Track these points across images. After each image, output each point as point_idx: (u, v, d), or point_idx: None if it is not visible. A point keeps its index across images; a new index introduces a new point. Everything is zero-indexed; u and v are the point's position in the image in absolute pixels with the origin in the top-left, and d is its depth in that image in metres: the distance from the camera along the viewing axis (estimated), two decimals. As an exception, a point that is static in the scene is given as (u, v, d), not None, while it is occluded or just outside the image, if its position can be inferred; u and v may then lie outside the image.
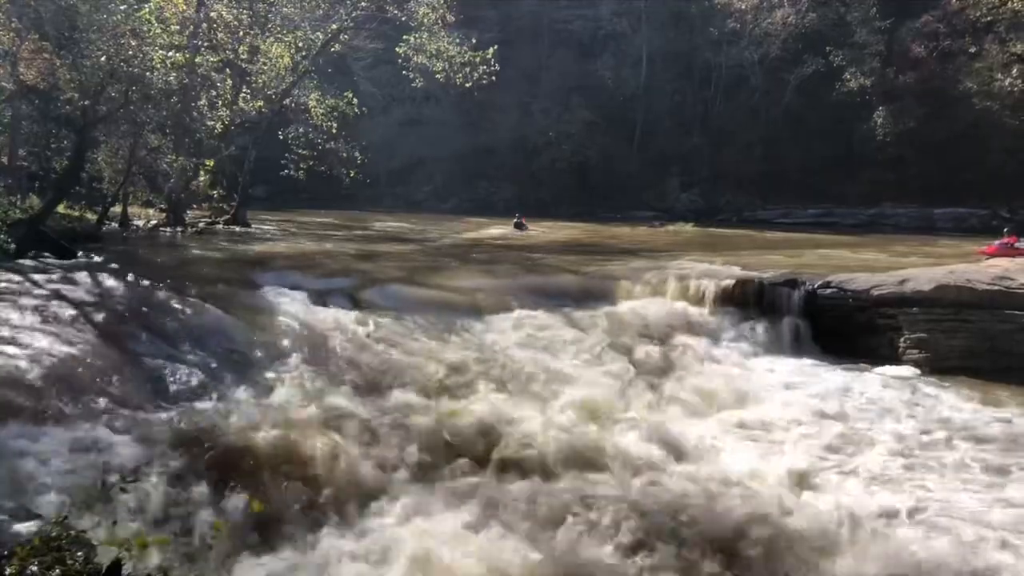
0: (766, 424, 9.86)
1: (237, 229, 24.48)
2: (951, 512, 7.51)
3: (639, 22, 47.29)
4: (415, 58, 25.73)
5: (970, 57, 37.79)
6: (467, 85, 25.76)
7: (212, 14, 23.75)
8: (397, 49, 26.28)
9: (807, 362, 12.92)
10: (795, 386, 11.46)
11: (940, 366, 12.66)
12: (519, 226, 30.65)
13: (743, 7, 43.31)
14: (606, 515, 6.94)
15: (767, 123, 43.01)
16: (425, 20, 25.14)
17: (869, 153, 39.68)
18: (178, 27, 21.89)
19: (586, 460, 8.24)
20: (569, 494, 7.39)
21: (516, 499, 7.24)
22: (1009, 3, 36.43)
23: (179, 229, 22.75)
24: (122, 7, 17.28)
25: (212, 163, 24.14)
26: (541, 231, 30.19)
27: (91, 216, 20.77)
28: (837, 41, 41.02)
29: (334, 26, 26.16)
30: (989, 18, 37.27)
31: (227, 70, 24.44)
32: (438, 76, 25.96)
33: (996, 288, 13.41)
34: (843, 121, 40.27)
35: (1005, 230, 19.35)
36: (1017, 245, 20.55)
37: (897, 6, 40.28)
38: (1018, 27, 36.45)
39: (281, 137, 27.12)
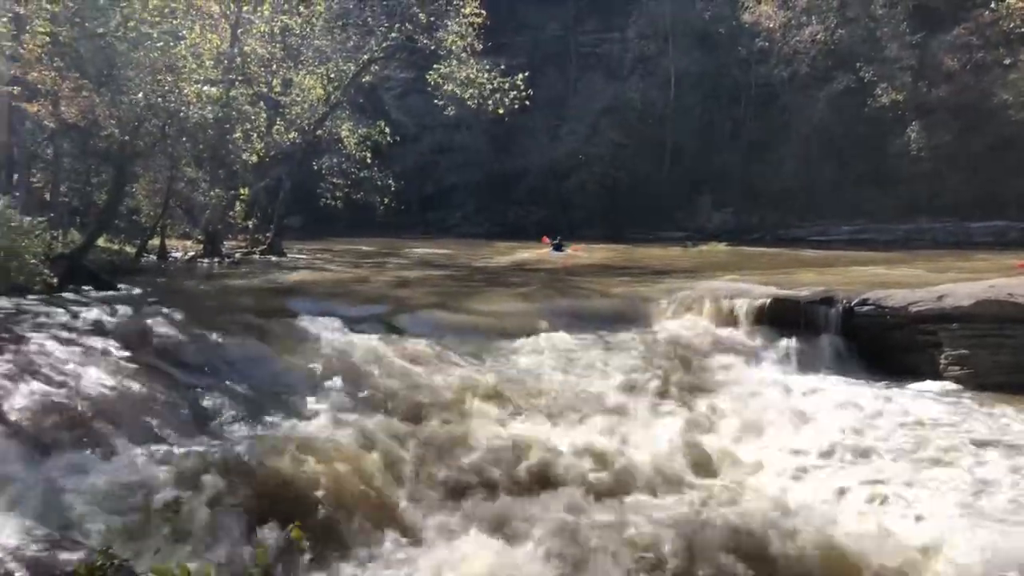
0: (805, 444, 9.73)
1: (273, 259, 24.79)
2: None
3: (666, 43, 47.35)
4: (445, 86, 26.01)
5: (1005, 69, 37.32)
6: (499, 111, 25.95)
7: (246, 49, 24.23)
8: (427, 77, 26.60)
9: (846, 380, 12.72)
10: (834, 405, 11.28)
11: (983, 382, 12.40)
12: (558, 247, 30.64)
13: (771, 25, 43.22)
14: (642, 539, 6.89)
15: (798, 141, 42.73)
16: (454, 48, 25.43)
17: (903, 168, 39.21)
18: (213, 62, 22.35)
19: (622, 483, 8.20)
20: (606, 517, 7.34)
21: (552, 523, 7.20)
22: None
23: (216, 260, 23.09)
24: (159, 45, 17.69)
25: (246, 193, 24.52)
26: (580, 252, 30.24)
27: (130, 249, 21.17)
28: (867, 56, 40.74)
29: (365, 57, 26.55)
30: (1023, 29, 36.84)
31: (261, 103, 24.88)
32: (469, 103, 26.20)
33: (1039, 302, 13.15)
34: (876, 137, 39.89)
35: None
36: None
37: (928, 19, 39.96)
38: (1053, 37, 36.00)
39: (315, 167, 27.50)
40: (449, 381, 10.49)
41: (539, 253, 29.96)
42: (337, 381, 9.97)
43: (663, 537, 6.88)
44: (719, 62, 46.47)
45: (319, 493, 7.21)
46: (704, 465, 8.71)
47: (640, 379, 11.61)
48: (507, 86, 25.56)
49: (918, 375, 12.88)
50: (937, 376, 12.86)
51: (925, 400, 11.63)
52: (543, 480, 8.14)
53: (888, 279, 17.55)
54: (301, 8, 25.04)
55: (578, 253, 30.14)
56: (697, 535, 6.95)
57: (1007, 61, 37.25)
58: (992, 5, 37.40)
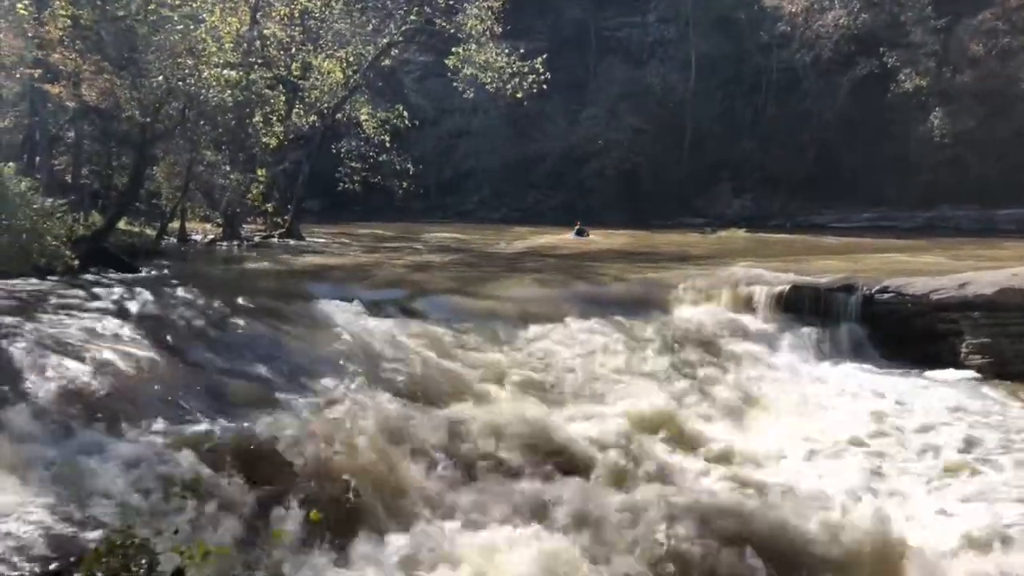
0: (825, 431, 9.70)
1: (291, 242, 24.87)
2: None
3: (687, 28, 46.90)
4: (464, 70, 25.93)
5: (1031, 54, 36.81)
6: (518, 95, 25.85)
7: (265, 32, 24.23)
8: (446, 61, 26.53)
9: (866, 368, 12.67)
10: (855, 392, 11.25)
11: (1005, 371, 12.32)
12: (580, 233, 30.85)
13: (794, 9, 42.74)
14: (661, 522, 6.89)
15: (820, 127, 42.27)
16: (473, 32, 25.32)
17: (926, 155, 38.74)
18: (232, 45, 22.37)
19: (642, 468, 8.20)
20: (624, 503, 7.35)
21: (572, 507, 7.22)
22: (1071, -3, 35.49)
23: (235, 243, 23.19)
24: (179, 27, 17.71)
25: (265, 176, 24.58)
26: (600, 238, 30.34)
27: (151, 232, 21.29)
28: (891, 42, 40.21)
29: (384, 40, 26.48)
30: (1050, 13, 36.32)
31: (280, 86, 24.88)
32: (488, 87, 26.12)
33: (1064, 291, 13.02)
34: (898, 123, 39.41)
35: None
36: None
37: (953, 4, 39.37)
38: (1081, 22, 35.45)
39: (334, 151, 27.52)
40: (468, 366, 10.52)
41: (559, 239, 29.89)
42: (356, 364, 10.00)
43: (679, 524, 6.88)
44: (740, 47, 45.98)
45: (339, 475, 7.26)
46: (722, 453, 8.69)
47: (658, 366, 11.60)
48: (526, 70, 25.43)
49: (939, 363, 12.81)
50: (958, 365, 12.78)
51: (946, 389, 11.57)
52: (563, 465, 8.17)
53: (909, 267, 17.40)
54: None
55: (594, 238, 30.22)
56: (712, 523, 6.94)
57: (1033, 46, 36.73)
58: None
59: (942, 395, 11.15)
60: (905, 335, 13.58)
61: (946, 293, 13.45)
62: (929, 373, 12.48)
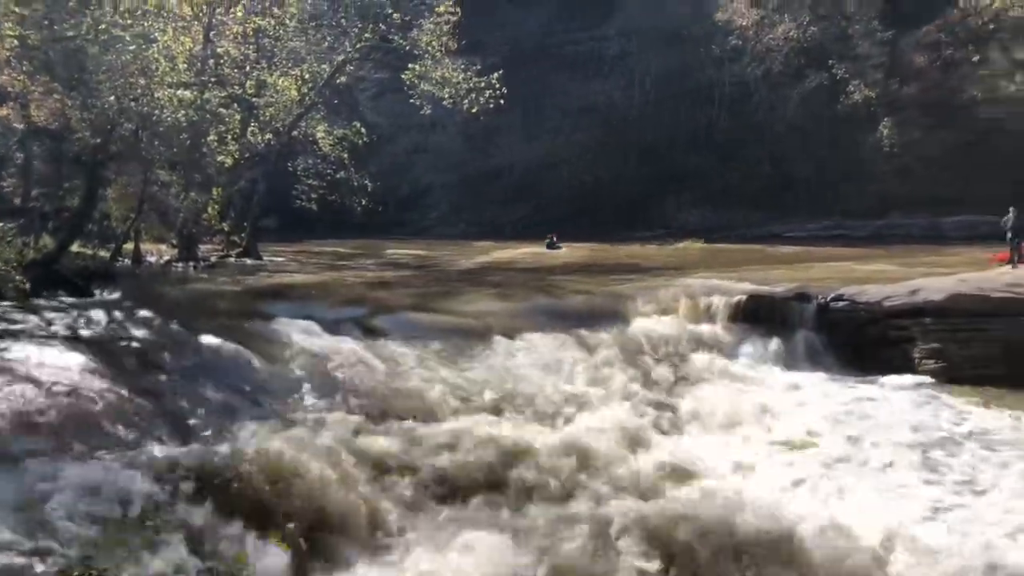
0: (783, 439, 9.83)
1: (249, 261, 24.63)
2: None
3: (642, 43, 47.51)
4: (421, 86, 25.97)
5: (974, 65, 37.83)
6: (474, 110, 25.95)
7: (219, 50, 24.05)
8: (402, 77, 26.54)
9: (821, 375, 12.88)
10: (810, 400, 11.43)
11: (956, 376, 12.60)
12: (552, 245, 31.74)
13: (744, 23, 43.54)
14: (623, 536, 6.93)
15: (772, 138, 43.00)
16: (429, 48, 25.38)
17: (876, 164, 39.60)
18: (186, 65, 22.15)
19: (602, 481, 8.24)
20: (586, 515, 7.38)
21: (532, 521, 7.24)
22: (1010, 11, 36.58)
23: (191, 263, 22.89)
24: (131, 47, 17.50)
25: (221, 195, 24.33)
26: (568, 250, 31.10)
27: (104, 254, 20.93)
28: (840, 54, 41.14)
29: (339, 58, 26.43)
30: (991, 26, 37.40)
31: (235, 105, 24.69)
32: (445, 102, 26.18)
33: (1010, 295, 13.39)
34: (848, 133, 40.26)
35: (1009, 238, 18.97)
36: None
37: (898, 17, 40.43)
38: (1020, 34, 36.54)
39: (290, 169, 27.36)
40: (428, 383, 10.48)
41: (521, 252, 30.04)
42: (315, 384, 9.94)
43: (641, 536, 6.93)
44: (693, 60, 46.63)
45: (299, 497, 7.19)
46: (681, 461, 8.76)
47: (618, 377, 11.67)
48: (482, 85, 25.54)
49: (892, 369, 13.06)
50: (911, 370, 13.05)
51: (899, 394, 11.79)
52: (524, 480, 8.16)
53: (862, 275, 17.74)
54: (274, 9, 24.88)
55: (565, 250, 30.85)
56: (674, 533, 7.00)
57: (975, 58, 37.79)
58: (960, 3, 37.95)
59: (895, 400, 11.37)
60: (859, 342, 13.83)
61: (898, 300, 13.74)
62: (883, 379, 12.70)
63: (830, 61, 41.05)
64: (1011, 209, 18.80)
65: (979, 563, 6.70)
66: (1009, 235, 18.59)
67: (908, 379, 12.68)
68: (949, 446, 9.42)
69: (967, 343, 13.01)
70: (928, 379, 12.68)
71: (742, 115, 44.86)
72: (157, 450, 7.56)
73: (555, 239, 32.62)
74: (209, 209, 24.18)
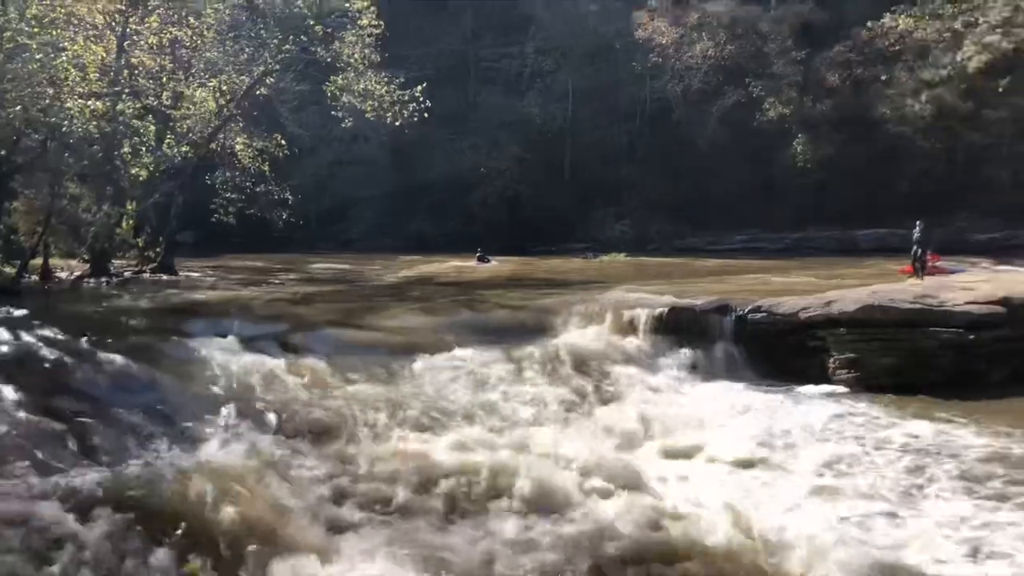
0: (703, 450, 9.96)
1: (165, 277, 23.91)
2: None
3: (563, 59, 48.08)
4: (343, 98, 25.71)
5: (882, 84, 39.37)
6: (397, 123, 25.81)
7: (133, 60, 23.38)
8: (324, 89, 26.24)
9: (741, 386, 13.10)
10: (729, 410, 11.61)
11: (870, 384, 12.98)
12: (482, 259, 31.94)
13: (664, 42, 44.41)
14: (548, 551, 6.90)
15: (693, 153, 43.91)
16: (352, 60, 25.17)
17: (792, 179, 40.84)
18: (97, 74, 21.45)
19: (527, 496, 8.20)
20: (509, 532, 7.32)
21: (460, 542, 7.15)
22: (914, 33, 38.20)
23: (104, 279, 22.10)
24: (38, 56, 16.88)
25: (135, 208, 23.61)
26: (498, 264, 31.27)
27: (10, 270, 20.05)
28: (756, 72, 42.33)
29: (259, 69, 25.97)
30: (897, 47, 38.99)
31: (150, 116, 24.03)
32: (368, 115, 25.96)
33: (919, 306, 13.85)
34: (765, 149, 41.40)
35: (915, 251, 19.62)
36: (937, 264, 21.30)
37: (811, 37, 41.84)
38: (925, 55, 38.18)
39: (208, 182, 26.71)
40: (349, 401, 10.30)
41: (448, 266, 29.95)
42: (233, 404, 9.64)
43: (569, 552, 6.91)
44: (615, 77, 47.43)
45: (217, 521, 6.95)
46: (606, 476, 8.78)
47: (543, 392, 11.67)
48: (406, 98, 25.43)
49: (809, 379, 13.38)
50: (826, 380, 13.40)
51: (815, 403, 12.08)
52: (449, 499, 8.07)
53: (779, 287, 18.17)
54: (191, 20, 24.32)
55: (495, 264, 31.14)
56: (601, 548, 7.00)
57: (884, 77, 39.33)
58: (868, 24, 39.48)
59: (812, 410, 11.64)
60: (777, 353, 14.13)
61: (813, 311, 14.09)
62: (800, 388, 13.00)
63: (747, 79, 42.19)
64: (918, 223, 19.51)
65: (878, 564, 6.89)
66: (915, 248, 19.28)
67: (823, 388, 13.02)
68: (859, 452, 9.68)
69: (880, 352, 13.42)
70: (842, 388, 13.04)
71: (664, 130, 45.77)
72: (65, 476, 7.21)
73: (485, 253, 32.72)
74: (123, 223, 23.41)
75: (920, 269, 18.98)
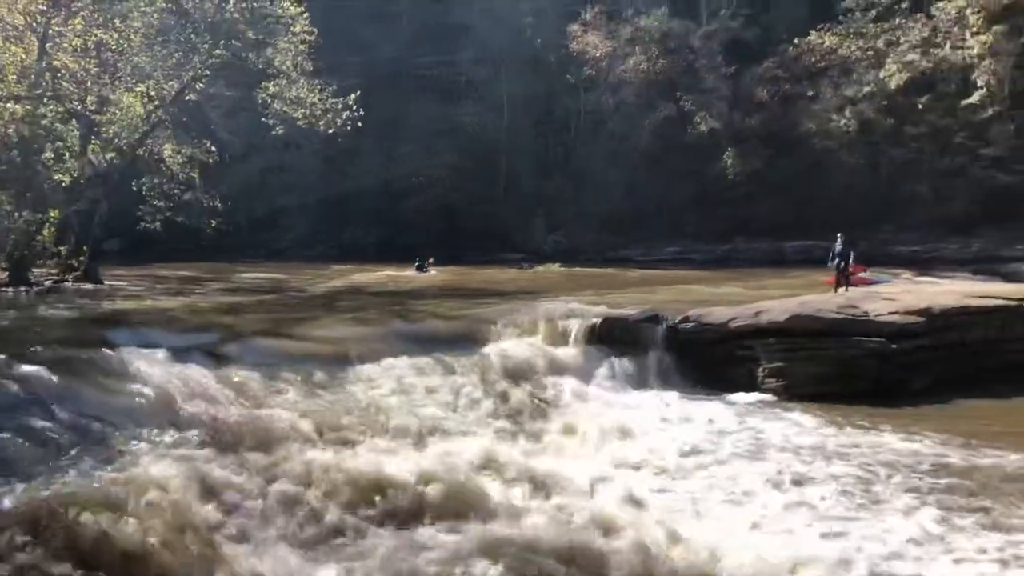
0: (634, 458, 10.06)
1: (88, 286, 23.18)
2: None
3: (498, 69, 48.25)
4: (274, 105, 25.33)
5: (808, 100, 40.47)
6: (330, 131, 25.54)
7: (56, 63, 22.66)
8: (256, 96, 25.82)
9: (672, 395, 13.28)
10: (660, 419, 11.77)
11: (797, 392, 13.30)
12: (421, 268, 31.86)
13: (598, 55, 44.89)
14: (480, 562, 6.87)
15: (626, 165, 44.44)
16: (284, 67, 24.82)
17: (722, 192, 41.61)
18: (16, 76, 20.75)
19: (461, 506, 8.16)
20: (442, 542, 7.28)
21: (390, 550, 7.08)
22: (839, 50, 39.39)
23: (23, 288, 21.33)
24: (-47, 56, 16.26)
25: (58, 215, 22.86)
26: (436, 274, 31.31)
27: (-79, 278, 19.26)
28: (687, 87, 43.11)
29: (188, 74, 25.43)
30: (823, 64, 40.14)
31: (74, 120, 23.32)
32: (300, 123, 25.62)
33: (843, 316, 14.26)
34: (697, 162, 42.10)
35: (834, 263, 19.96)
36: (861, 275, 21.89)
37: (741, 53, 42.79)
38: (849, 72, 39.39)
39: (135, 188, 26.02)
40: (279, 412, 10.11)
41: (382, 275, 29.73)
42: (158, 416, 9.39)
43: (503, 561, 6.89)
44: (550, 89, 47.80)
45: (140, 540, 6.73)
46: (536, 484, 8.80)
47: (477, 401, 11.65)
48: (339, 106, 25.17)
49: (738, 387, 13.67)
50: (755, 388, 13.69)
51: (744, 410, 12.31)
52: (386, 511, 7.99)
53: (709, 297, 18.49)
54: (117, 22, 23.67)
55: (434, 272, 31.17)
56: (534, 556, 7.00)
57: (810, 93, 40.44)
58: (795, 41, 40.57)
59: (739, 416, 11.86)
60: (708, 362, 14.40)
61: (743, 321, 14.39)
62: (730, 396, 13.27)
63: (678, 93, 42.93)
64: (839, 236, 20.00)
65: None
66: (836, 260, 19.72)
67: (752, 396, 13.30)
68: (785, 458, 9.90)
69: (806, 361, 13.76)
70: (771, 396, 13.33)
71: (597, 142, 46.27)
72: (-24, 493, 6.93)
73: (425, 262, 32.50)
74: (44, 230, 22.63)
75: (844, 281, 19.45)
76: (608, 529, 7.70)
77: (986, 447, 10.24)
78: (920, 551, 7.44)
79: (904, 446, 10.40)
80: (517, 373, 13.18)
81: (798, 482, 9.19)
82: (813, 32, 40.32)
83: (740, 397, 13.26)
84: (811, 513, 8.39)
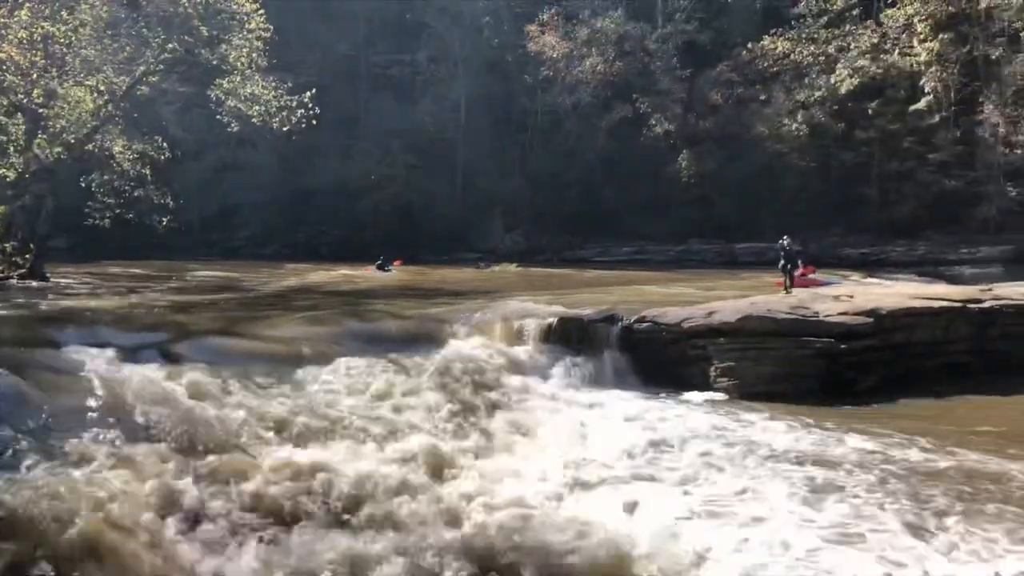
0: (588, 457, 10.13)
1: (34, 284, 22.65)
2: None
3: (456, 68, 48.20)
4: (228, 102, 24.98)
5: (761, 104, 41.07)
6: (285, 129, 25.27)
7: (1, 55, 22.11)
8: (209, 92, 25.45)
9: (627, 394, 13.39)
10: (614, 417, 11.85)
11: (748, 392, 13.50)
12: (383, 267, 31.46)
13: (555, 55, 45.08)
14: (432, 563, 6.88)
15: (583, 166, 44.74)
16: (238, 64, 24.49)
17: (676, 193, 42.12)
18: (-41, 68, 20.22)
19: (416, 507, 8.16)
20: (398, 543, 7.27)
21: (339, 553, 7.05)
22: (791, 55, 40.04)
23: (-35, 286, 20.81)
24: None
25: (2, 212, 22.32)
26: (397, 273, 31.13)
27: None
28: (643, 89, 43.47)
29: (140, 69, 24.98)
30: (776, 69, 40.77)
31: (19, 114, 22.77)
32: (254, 120, 25.30)
33: (794, 317, 14.51)
34: (652, 164, 42.53)
35: (781, 265, 20.24)
36: (812, 276, 22.31)
37: (696, 56, 43.31)
38: (800, 77, 40.05)
39: (84, 184, 25.50)
40: (233, 411, 10.00)
41: (338, 275, 29.48)
42: (110, 417, 9.21)
43: (453, 561, 6.90)
44: (507, 89, 47.89)
45: (89, 543, 6.64)
46: (492, 485, 8.83)
47: (432, 401, 11.63)
48: (294, 104, 24.91)
49: (691, 386, 13.83)
50: (708, 387, 13.87)
51: (696, 410, 12.46)
52: (338, 512, 7.96)
53: (664, 297, 18.66)
54: (64, 14, 23.16)
55: (396, 272, 31.02)
56: (484, 556, 7.03)
57: (762, 97, 41.05)
58: (749, 46, 41.15)
59: (691, 415, 12.01)
60: (662, 361, 14.55)
61: (696, 321, 14.57)
62: (684, 396, 13.42)
63: (634, 95, 43.27)
64: (785, 237, 20.30)
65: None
66: (782, 262, 20.02)
67: (705, 395, 13.46)
68: (736, 456, 10.04)
69: (758, 361, 13.98)
70: (722, 395, 13.52)
71: (554, 143, 46.50)
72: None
73: (387, 261, 32.26)
74: (-12, 226, 22.11)
75: (789, 282, 19.70)
76: (558, 530, 7.75)
77: (921, 444, 10.47)
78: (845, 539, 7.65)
79: (855, 444, 10.57)
80: (472, 373, 13.18)
81: (742, 477, 9.33)
82: (766, 37, 40.91)
83: (693, 396, 13.42)
84: (746, 507, 8.55)
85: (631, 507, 8.49)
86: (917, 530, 7.77)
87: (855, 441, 10.66)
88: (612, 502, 8.68)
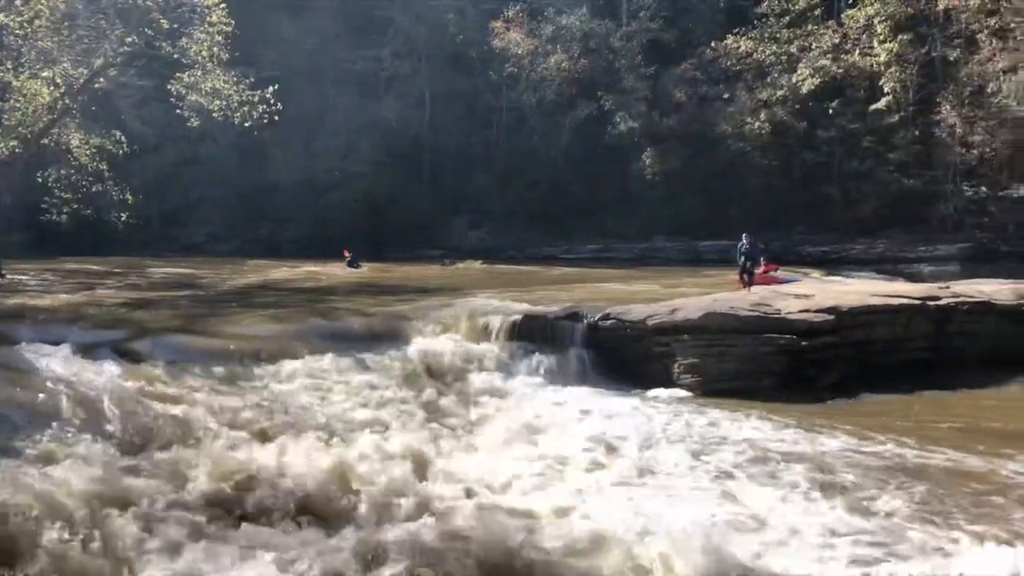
0: (553, 453, 10.13)
1: (-12, 280, 22.19)
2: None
3: (420, 64, 47.99)
4: (189, 96, 24.59)
5: (725, 102, 41.39)
6: (247, 124, 24.94)
7: (-47, 46, 21.61)
8: (169, 87, 25.05)
9: (591, 391, 13.42)
10: (579, 414, 11.89)
11: (711, 388, 13.60)
12: (352, 264, 31.00)
13: (519, 52, 45.04)
14: (397, 558, 6.84)
15: (548, 163, 44.74)
16: (199, 57, 24.12)
17: (641, 191, 42.28)
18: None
19: (380, 504, 8.12)
20: (357, 540, 7.21)
21: (301, 550, 6.98)
22: (754, 55, 40.40)
23: (-83, 282, 20.31)
24: None
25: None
26: (366, 270, 30.79)
27: None
28: (607, 86, 43.58)
29: (98, 62, 24.52)
30: (739, 67, 41.09)
31: (-28, 107, 22.26)
32: (215, 115, 24.95)
33: (756, 314, 14.62)
34: (617, 161, 42.64)
35: (741, 260, 20.35)
36: (774, 274, 22.51)
37: (660, 54, 43.50)
38: (763, 76, 40.43)
39: (40, 180, 24.99)
40: (194, 410, 9.87)
41: (301, 271, 29.20)
42: (67, 415, 9.06)
43: (417, 557, 6.86)
44: (472, 85, 47.76)
45: (45, 544, 6.50)
46: (457, 481, 8.81)
47: (397, 398, 11.59)
48: (256, 99, 24.60)
49: (656, 383, 13.90)
50: (672, 384, 13.94)
51: (660, 406, 12.52)
52: (303, 510, 7.89)
53: (628, 295, 18.73)
54: (19, 3, 22.66)
55: (365, 270, 30.57)
56: (450, 552, 6.99)
57: (726, 95, 41.37)
58: (712, 44, 41.45)
59: (656, 412, 12.06)
60: (626, 358, 14.61)
61: (660, 319, 14.64)
62: (648, 392, 13.48)
63: (599, 92, 43.39)
64: (744, 235, 20.45)
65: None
66: (741, 260, 20.16)
67: (669, 392, 13.54)
68: (702, 452, 10.11)
69: (720, 358, 14.08)
70: (686, 392, 13.60)
71: (520, 139, 46.47)
72: None
73: (357, 258, 31.83)
74: (-60, 222, 21.59)
75: (748, 280, 19.80)
76: (524, 526, 7.74)
77: (880, 439, 10.62)
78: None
79: (817, 439, 10.69)
80: (438, 370, 13.17)
81: (708, 472, 9.41)
82: (730, 36, 41.21)
83: (657, 392, 13.49)
84: (705, 494, 8.64)
85: (589, 499, 8.52)
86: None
87: (816, 436, 10.78)
88: (568, 496, 8.70)
